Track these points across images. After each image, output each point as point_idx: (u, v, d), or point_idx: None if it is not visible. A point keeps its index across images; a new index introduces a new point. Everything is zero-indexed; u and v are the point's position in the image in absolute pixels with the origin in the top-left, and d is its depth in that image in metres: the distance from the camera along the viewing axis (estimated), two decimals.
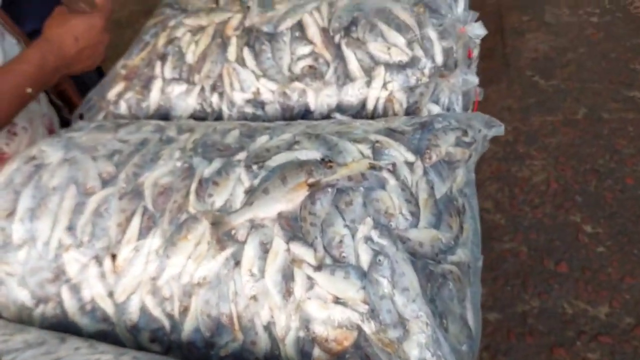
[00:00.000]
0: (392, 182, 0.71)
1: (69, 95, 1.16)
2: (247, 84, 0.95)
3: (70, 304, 0.75)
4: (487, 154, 0.83)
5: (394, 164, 0.73)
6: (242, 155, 0.76)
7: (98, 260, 0.74)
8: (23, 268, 0.76)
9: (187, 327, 0.72)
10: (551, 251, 1.92)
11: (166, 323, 0.73)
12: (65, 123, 1.11)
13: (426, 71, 0.90)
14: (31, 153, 0.83)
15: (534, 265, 1.89)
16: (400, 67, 0.90)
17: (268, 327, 0.69)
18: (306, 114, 0.94)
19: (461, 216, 0.76)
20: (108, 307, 0.74)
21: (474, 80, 0.95)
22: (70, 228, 0.75)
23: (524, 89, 2.56)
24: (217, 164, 0.76)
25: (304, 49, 0.94)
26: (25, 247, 0.76)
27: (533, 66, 2.68)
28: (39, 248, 0.76)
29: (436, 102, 0.94)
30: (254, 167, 0.74)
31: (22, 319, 0.79)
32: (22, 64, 0.84)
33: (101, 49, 0.92)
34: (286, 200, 0.70)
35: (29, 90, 0.83)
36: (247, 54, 0.95)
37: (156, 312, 0.72)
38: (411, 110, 0.92)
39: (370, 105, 0.91)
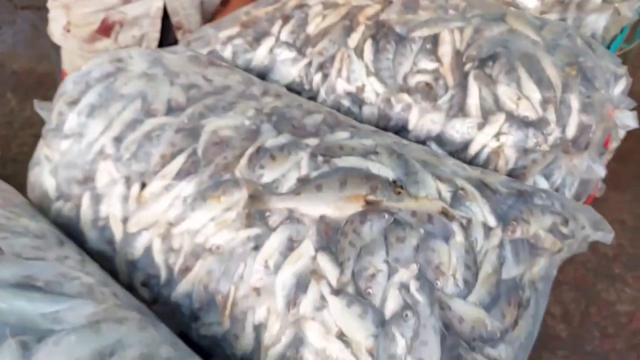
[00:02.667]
0: (459, 238, 0.60)
1: None
2: (355, 76, 0.87)
3: (86, 212, 0.72)
4: (577, 257, 0.70)
5: (469, 220, 0.62)
6: (313, 141, 0.68)
7: (128, 182, 0.69)
8: (60, 158, 0.74)
9: (181, 288, 0.66)
10: None
11: (163, 273, 0.67)
12: None
13: (550, 139, 0.78)
14: (120, 54, 0.80)
15: None
16: (524, 123, 0.79)
17: (258, 328, 0.61)
18: (402, 130, 0.85)
19: (521, 310, 0.64)
20: (117, 232, 0.70)
21: (601, 172, 0.82)
22: (118, 139, 0.71)
23: None
24: (283, 138, 0.69)
25: (428, 64, 0.84)
26: (72, 139, 0.74)
27: None
28: (82, 145, 0.73)
29: (547, 177, 0.81)
30: (320, 158, 0.66)
31: (42, 206, 0.78)
32: None
33: None
34: (336, 206, 0.62)
35: None
36: (368, 46, 0.88)
37: (159, 258, 0.67)
38: (515, 174, 0.81)
39: (473, 150, 0.81)
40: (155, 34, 1.15)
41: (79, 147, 0.73)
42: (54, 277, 0.58)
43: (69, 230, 0.73)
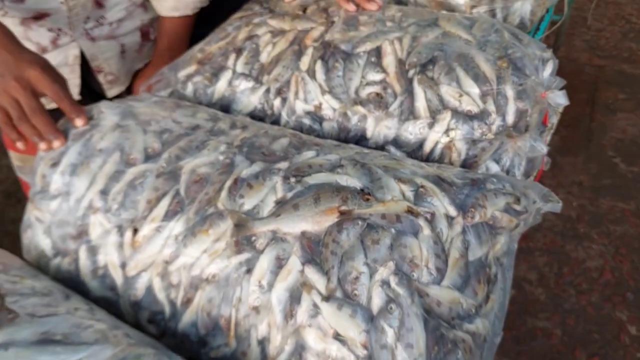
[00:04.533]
0: (426, 231, 0.68)
1: None
2: (311, 96, 0.94)
3: (85, 264, 0.77)
4: (544, 224, 0.78)
5: (432, 214, 0.69)
6: (283, 165, 0.75)
7: (120, 230, 0.74)
8: (52, 218, 0.78)
9: (186, 318, 0.71)
10: (587, 342, 1.80)
11: (167, 309, 0.72)
12: None
13: (494, 127, 0.86)
14: (91, 112, 0.85)
15: (564, 352, 1.78)
16: (468, 117, 0.87)
17: (262, 342, 0.67)
18: (362, 139, 0.92)
19: (490, 285, 0.72)
20: (118, 277, 0.75)
21: (543, 149, 0.90)
22: (104, 192, 0.76)
23: (601, 168, 2.43)
24: (257, 167, 0.75)
25: (376, 76, 0.92)
26: (59, 198, 0.78)
27: (617, 147, 2.54)
28: (70, 203, 0.78)
29: (497, 161, 0.89)
30: (292, 179, 0.73)
31: (40, 265, 0.81)
32: None
33: None
34: (314, 221, 0.68)
35: None
36: (319, 67, 0.95)
37: (160, 295, 0.72)
38: (468, 163, 0.89)
39: (427, 148, 0.88)
40: (76, 80, 1.16)
41: (67, 205, 0.77)
42: (70, 329, 0.63)
43: (71, 284, 0.77)
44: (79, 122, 0.83)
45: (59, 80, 0.82)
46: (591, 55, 3.18)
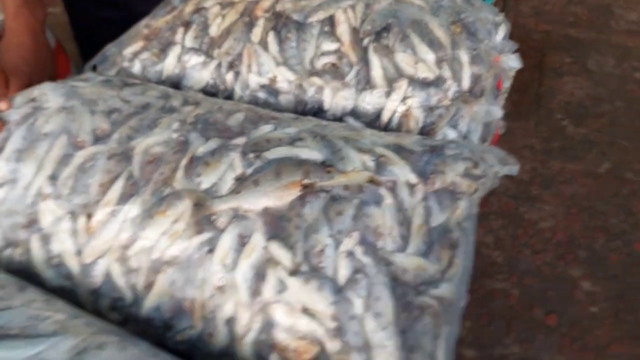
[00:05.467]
0: (388, 200, 0.68)
1: None
2: (265, 69, 0.91)
3: (37, 254, 0.73)
4: (498, 188, 0.79)
5: (394, 182, 0.69)
6: (240, 141, 0.73)
7: (73, 216, 0.71)
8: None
9: (148, 303, 0.69)
10: (543, 301, 1.87)
11: (128, 294, 0.70)
12: None
13: (450, 93, 0.87)
14: (33, 94, 0.81)
15: (522, 311, 1.84)
16: (424, 84, 0.86)
17: (229, 323, 0.66)
18: (319, 111, 0.91)
19: (454, 250, 0.73)
20: (73, 266, 0.72)
21: (498, 113, 0.91)
22: (53, 177, 0.73)
23: (550, 131, 2.49)
24: (213, 143, 0.73)
25: (330, 46, 0.90)
26: (6, 187, 0.74)
27: (565, 110, 2.61)
28: (18, 191, 0.73)
29: (454, 127, 0.90)
30: (250, 155, 0.71)
31: None
32: None
33: None
34: (275, 196, 0.67)
35: None
36: (271, 38, 0.92)
37: (120, 281, 0.70)
38: (426, 131, 0.89)
39: (385, 117, 0.88)
40: None
41: (15, 193, 0.73)
42: (26, 321, 0.60)
43: (25, 275, 0.73)
44: (2, 106, 0.79)
45: None
46: (538, 20, 3.23)
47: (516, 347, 1.75)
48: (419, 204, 0.69)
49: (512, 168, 0.81)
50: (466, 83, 0.87)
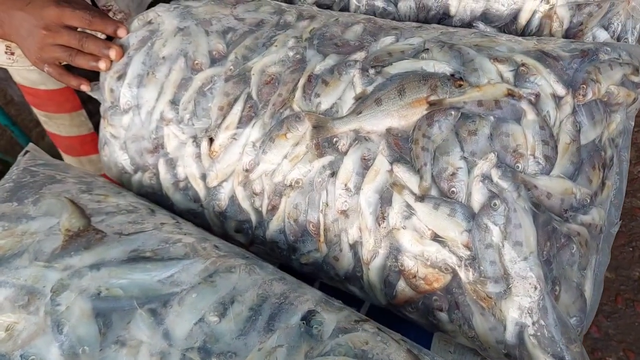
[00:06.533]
0: (530, 116, 0.59)
1: None
2: None
3: (165, 177, 0.75)
4: None
5: (537, 95, 0.60)
6: (360, 55, 0.67)
7: (196, 140, 0.71)
8: (126, 133, 0.76)
9: (272, 226, 0.69)
10: None
11: (253, 217, 0.70)
12: None
13: None
14: (148, 17, 0.80)
15: None
16: None
17: (354, 247, 0.64)
18: (444, 18, 0.81)
19: (606, 170, 0.64)
20: (200, 189, 0.73)
21: None
22: (174, 102, 0.73)
23: None
24: (331, 60, 0.68)
25: None
26: (130, 112, 0.76)
27: None
28: (142, 116, 0.75)
29: (605, 27, 0.77)
30: (371, 71, 0.65)
31: (122, 181, 0.81)
32: None
33: None
34: (399, 115, 0.61)
35: None
36: None
37: (245, 204, 0.70)
38: (572, 33, 0.76)
39: (523, 19, 0.77)
40: None
41: (139, 118, 0.75)
42: (159, 244, 0.62)
43: (155, 198, 0.77)
44: (121, 33, 0.78)
45: (79, 6, 0.77)
46: None
47: None
48: (566, 119, 0.60)
49: None
50: None
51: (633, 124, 0.69)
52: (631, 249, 1.65)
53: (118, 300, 0.55)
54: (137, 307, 0.55)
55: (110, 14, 1.06)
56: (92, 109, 1.11)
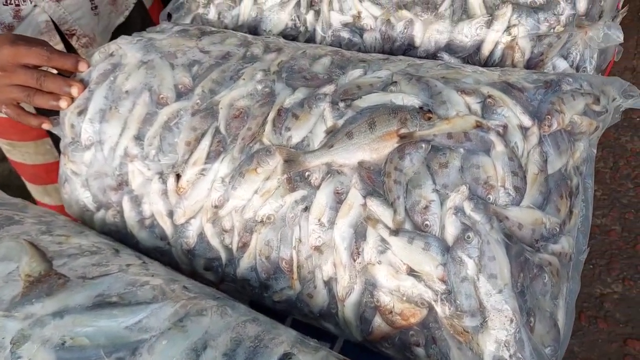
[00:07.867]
0: (499, 147, 0.60)
1: None
2: (348, 5, 0.83)
3: (129, 215, 0.73)
4: None
5: (505, 127, 0.61)
6: (329, 89, 0.67)
7: (162, 177, 0.69)
8: (88, 170, 0.74)
9: (243, 263, 0.67)
10: None
11: (223, 255, 0.68)
12: None
13: (563, 18, 0.75)
14: (110, 49, 0.78)
15: (625, 248, 1.72)
16: (532, 9, 0.75)
17: (329, 283, 0.63)
18: (409, 48, 0.82)
19: (573, 198, 0.65)
20: (167, 227, 0.70)
21: (618, 36, 0.79)
22: (138, 138, 0.71)
23: None
24: (300, 94, 0.67)
25: None
26: (92, 149, 0.73)
27: None
28: (105, 152, 0.72)
29: (565, 57, 0.79)
30: (341, 104, 0.65)
31: (84, 219, 0.78)
32: None
33: None
34: (371, 149, 0.61)
35: None
36: None
37: (214, 241, 0.68)
38: (533, 63, 0.79)
39: (486, 50, 0.78)
40: (58, 46, 1.03)
41: (102, 155, 0.72)
42: (125, 288, 0.59)
43: (119, 236, 0.74)
44: (82, 67, 0.76)
45: (35, 43, 0.74)
46: None
47: (618, 286, 1.65)
48: (533, 149, 0.61)
49: (637, 100, 0.71)
50: (582, 4, 0.75)
51: (595, 151, 0.71)
52: (591, 266, 1.70)
53: (84, 350, 0.52)
54: (104, 356, 0.52)
55: (74, 39, 1.04)
56: (57, 137, 1.07)
